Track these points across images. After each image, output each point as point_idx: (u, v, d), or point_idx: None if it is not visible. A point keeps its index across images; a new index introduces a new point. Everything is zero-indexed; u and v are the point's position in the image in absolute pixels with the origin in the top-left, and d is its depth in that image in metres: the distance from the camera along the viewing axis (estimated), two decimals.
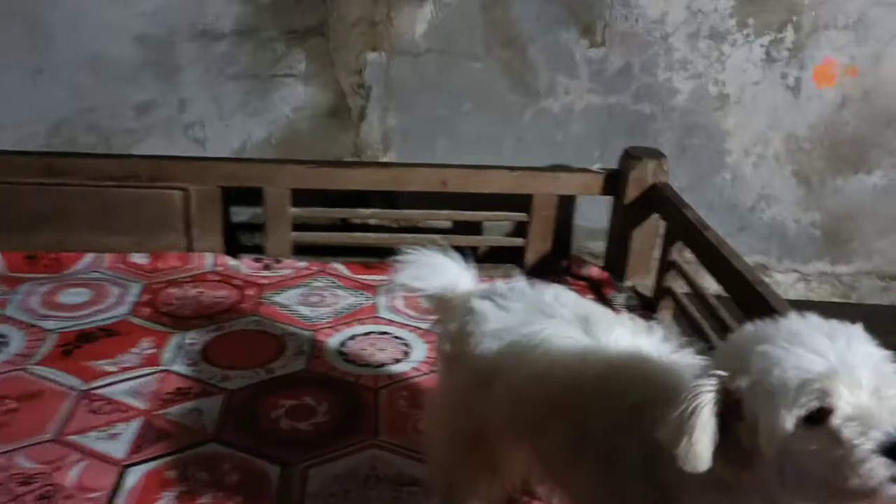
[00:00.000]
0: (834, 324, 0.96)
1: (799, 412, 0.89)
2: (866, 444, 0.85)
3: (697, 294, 2.22)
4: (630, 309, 2.42)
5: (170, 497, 1.58)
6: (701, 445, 0.92)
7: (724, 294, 2.05)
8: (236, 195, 2.59)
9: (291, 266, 2.53)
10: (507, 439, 1.32)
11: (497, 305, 1.36)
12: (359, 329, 2.21)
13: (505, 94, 2.73)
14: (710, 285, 2.26)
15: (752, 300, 1.84)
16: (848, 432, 0.86)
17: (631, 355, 1.20)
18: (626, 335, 1.25)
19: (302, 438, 1.77)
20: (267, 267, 2.51)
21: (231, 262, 2.53)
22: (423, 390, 1.94)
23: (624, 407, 1.11)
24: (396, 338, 2.18)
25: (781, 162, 2.89)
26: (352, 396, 1.92)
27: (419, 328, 2.20)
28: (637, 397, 1.10)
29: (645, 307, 2.44)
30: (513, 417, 1.26)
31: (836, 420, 0.88)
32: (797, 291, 3.01)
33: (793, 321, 0.97)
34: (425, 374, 2.01)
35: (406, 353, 2.11)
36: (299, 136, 2.68)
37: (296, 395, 1.91)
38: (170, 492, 1.59)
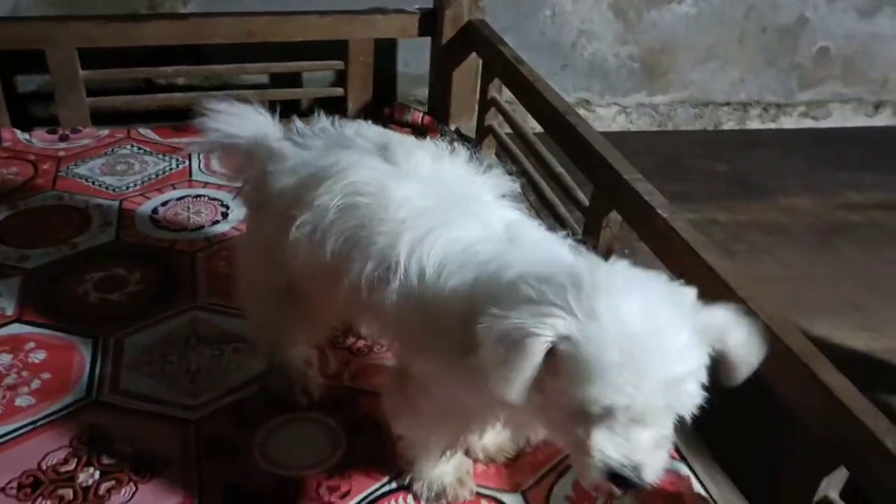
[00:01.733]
0: (665, 329, 0.92)
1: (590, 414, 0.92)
2: (601, 465, 0.93)
3: (517, 131, 2.22)
4: None
5: None
6: (518, 387, 0.92)
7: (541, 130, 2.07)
8: (18, 62, 2.32)
9: (91, 135, 2.33)
10: (313, 280, 1.28)
11: (296, 143, 1.30)
12: (172, 194, 2.09)
13: None
14: (532, 123, 2.28)
15: (565, 131, 1.86)
16: (598, 444, 0.93)
17: (435, 182, 1.17)
18: (427, 160, 1.21)
19: (114, 310, 1.68)
20: (63, 138, 2.30)
21: (21, 135, 2.29)
22: None
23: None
24: (213, 199, 2.07)
25: None
26: (167, 263, 1.83)
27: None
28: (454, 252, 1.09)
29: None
30: (315, 254, 1.22)
31: (599, 428, 0.92)
32: (619, 124, 3.11)
33: (643, 310, 0.92)
34: None
35: (225, 215, 2.02)
36: None
37: (105, 267, 1.80)
38: None
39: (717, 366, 0.96)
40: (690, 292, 0.99)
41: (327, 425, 1.45)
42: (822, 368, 1.12)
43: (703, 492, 1.38)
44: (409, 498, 1.33)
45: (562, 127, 1.89)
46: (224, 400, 1.48)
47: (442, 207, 1.12)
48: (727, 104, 3.24)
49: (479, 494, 1.35)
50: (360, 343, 1.63)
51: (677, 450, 1.46)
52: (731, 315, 0.97)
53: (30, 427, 1.39)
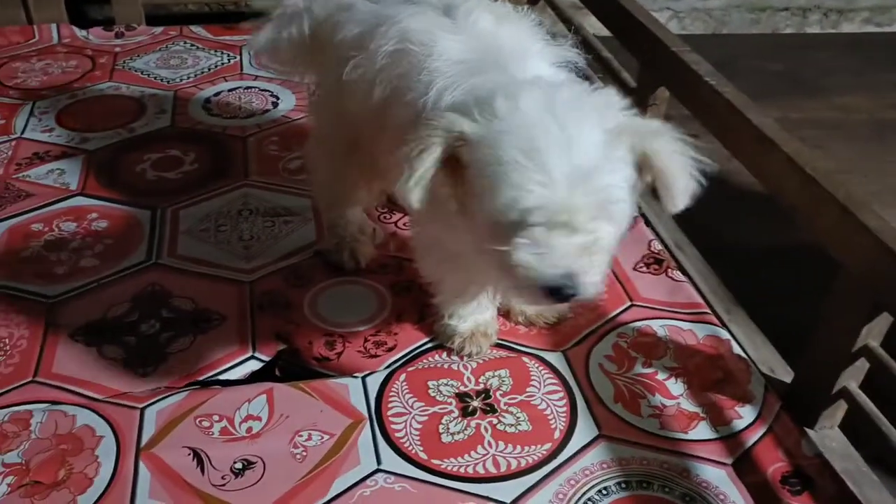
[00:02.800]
0: (569, 121, 0.91)
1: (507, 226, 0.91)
2: (531, 281, 0.92)
3: (562, 17, 2.20)
4: None
5: (37, 246, 1.56)
6: (414, 188, 0.94)
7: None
8: None
9: (146, 32, 2.38)
10: (364, 128, 1.30)
11: None
12: (224, 86, 2.13)
13: None
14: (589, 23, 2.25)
15: (609, 6, 1.84)
16: (523, 259, 0.91)
17: (484, 42, 1.15)
18: (489, 19, 1.19)
19: (170, 186, 1.75)
20: (119, 35, 2.35)
21: (79, 32, 2.35)
22: (294, 134, 1.92)
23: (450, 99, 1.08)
24: (264, 90, 2.11)
25: None
26: (220, 146, 1.89)
27: (288, 80, 2.14)
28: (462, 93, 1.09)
29: None
30: (367, 100, 1.22)
31: (522, 240, 0.91)
32: (670, 29, 3.03)
33: (562, 114, 0.92)
34: (295, 120, 1.98)
35: (275, 104, 2.06)
36: None
37: (160, 149, 1.86)
38: (36, 241, 1.57)
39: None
40: (616, 97, 0.98)
41: (375, 288, 1.50)
42: (865, 212, 1.12)
43: (742, 353, 1.40)
44: (450, 354, 1.38)
45: (606, 2, 1.87)
46: (276, 265, 1.54)
47: (480, 62, 1.11)
48: (786, 9, 3.14)
49: (520, 351, 1.40)
50: (407, 218, 1.67)
51: (717, 315, 1.48)
52: (661, 128, 0.96)
53: (94, 284, 1.47)
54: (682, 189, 0.96)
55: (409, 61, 1.15)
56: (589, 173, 0.89)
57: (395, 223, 1.67)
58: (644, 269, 1.59)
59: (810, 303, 1.25)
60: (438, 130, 0.95)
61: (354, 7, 1.31)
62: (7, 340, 1.35)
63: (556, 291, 0.92)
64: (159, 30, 2.39)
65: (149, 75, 2.17)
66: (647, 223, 1.70)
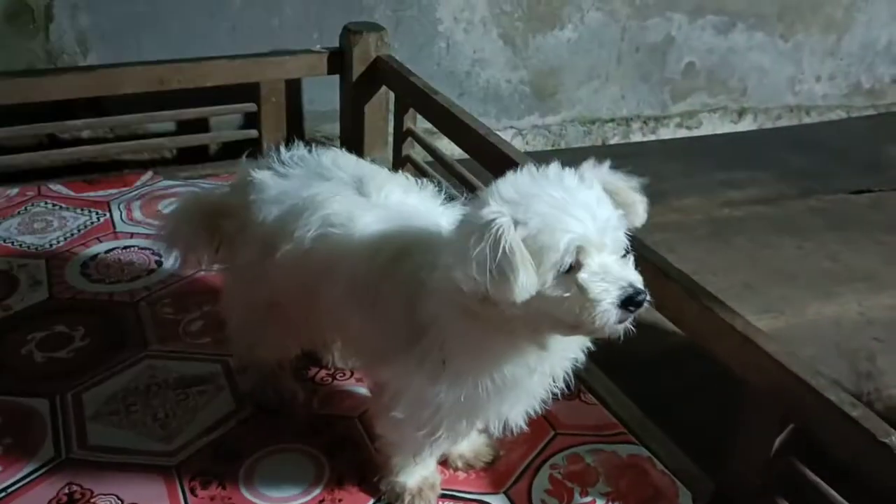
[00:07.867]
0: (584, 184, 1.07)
1: (560, 267, 1.01)
2: (609, 298, 1.01)
3: (437, 157, 2.33)
4: None
5: None
6: (524, 275, 0.99)
7: (460, 154, 2.20)
8: None
9: (1, 195, 2.24)
10: (294, 301, 1.36)
11: (276, 174, 1.38)
12: (99, 247, 2.05)
13: None
14: (446, 148, 2.40)
15: (487, 152, 1.99)
16: (594, 286, 1.01)
17: (397, 210, 1.28)
18: (398, 192, 1.33)
19: (64, 367, 1.64)
20: None
21: None
22: (188, 293, 1.87)
23: (385, 257, 1.20)
24: (144, 249, 2.05)
25: (488, 26, 3.06)
26: (110, 315, 1.80)
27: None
28: (397, 246, 1.20)
29: None
30: (294, 278, 1.30)
31: (584, 275, 1.02)
32: (516, 146, 3.26)
33: (552, 180, 1.06)
34: (185, 279, 1.93)
35: (159, 263, 1.99)
36: None
37: (44, 326, 1.75)
38: None
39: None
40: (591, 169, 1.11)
41: (308, 453, 1.48)
42: (762, 338, 1.28)
43: (664, 469, 1.51)
44: None
45: (485, 148, 2.02)
46: (200, 440, 1.48)
47: (398, 232, 1.24)
48: (612, 120, 3.48)
49: (466, 499, 1.42)
50: (323, 373, 1.68)
51: (634, 433, 1.59)
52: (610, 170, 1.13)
53: (2, 495, 1.35)
54: (641, 206, 1.12)
55: (334, 241, 1.25)
56: (596, 212, 1.03)
57: (313, 378, 1.66)
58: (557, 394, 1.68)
59: (713, 402, 1.37)
60: (494, 216, 1.00)
61: (266, 186, 1.36)
62: None
63: (631, 300, 1.02)
64: (15, 191, 2.26)
65: (13, 243, 2.04)
66: None
